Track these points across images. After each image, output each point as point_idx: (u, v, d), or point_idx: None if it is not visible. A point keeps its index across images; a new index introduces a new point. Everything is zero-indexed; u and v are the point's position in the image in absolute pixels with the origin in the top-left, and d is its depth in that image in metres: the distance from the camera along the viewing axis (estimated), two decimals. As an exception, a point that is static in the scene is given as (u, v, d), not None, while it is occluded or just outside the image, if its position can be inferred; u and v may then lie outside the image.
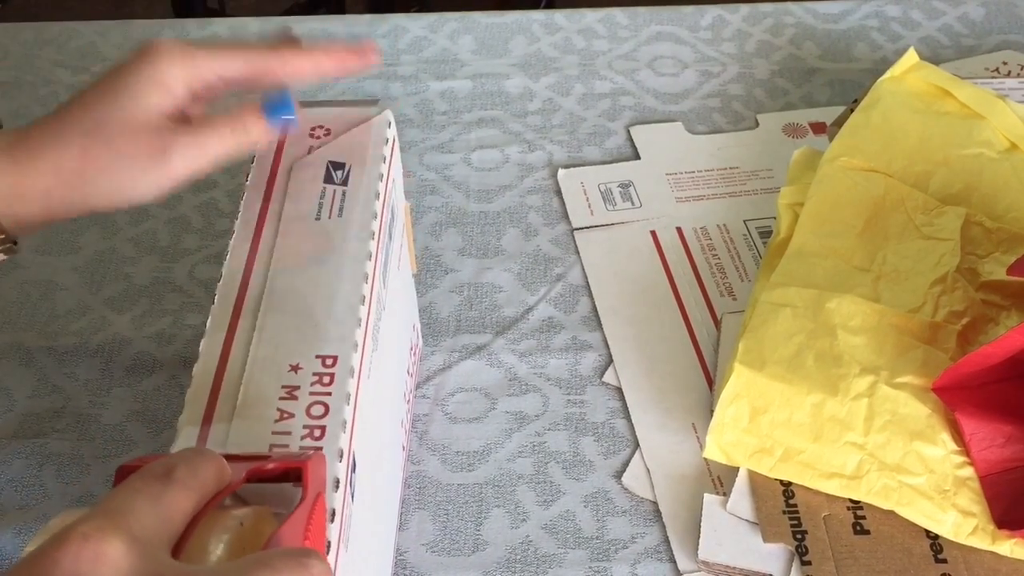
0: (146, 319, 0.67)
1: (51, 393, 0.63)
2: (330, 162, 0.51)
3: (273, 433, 0.41)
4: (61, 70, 0.84)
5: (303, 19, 0.90)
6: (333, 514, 0.39)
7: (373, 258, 0.48)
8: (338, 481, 0.40)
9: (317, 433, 0.41)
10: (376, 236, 0.49)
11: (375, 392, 0.48)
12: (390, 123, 0.54)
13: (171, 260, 0.70)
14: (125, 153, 0.46)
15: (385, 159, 0.52)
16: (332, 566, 0.39)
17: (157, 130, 0.47)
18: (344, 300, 0.46)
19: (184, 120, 0.48)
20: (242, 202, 0.50)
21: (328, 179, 0.51)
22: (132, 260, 0.70)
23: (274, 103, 0.49)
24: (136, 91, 0.47)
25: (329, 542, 0.39)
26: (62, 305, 0.67)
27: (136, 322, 0.67)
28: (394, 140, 0.54)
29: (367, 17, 0.90)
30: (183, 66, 0.47)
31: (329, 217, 0.49)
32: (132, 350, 0.65)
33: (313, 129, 0.53)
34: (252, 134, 0.48)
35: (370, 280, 0.47)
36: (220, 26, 0.88)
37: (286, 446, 0.41)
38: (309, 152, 0.52)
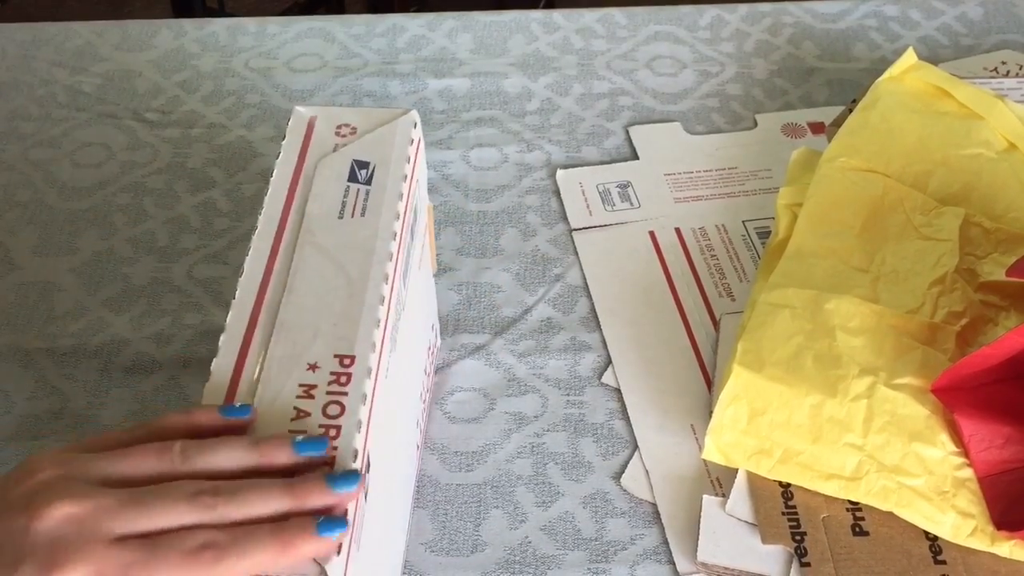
0: (145, 320, 0.67)
1: (50, 395, 0.63)
2: (355, 160, 0.52)
3: (289, 432, 0.42)
4: (58, 70, 0.84)
5: (302, 19, 0.90)
6: (345, 514, 0.39)
7: (394, 259, 0.48)
8: None
9: (333, 432, 0.42)
10: (397, 237, 0.49)
11: (392, 392, 0.48)
12: (416, 124, 0.54)
13: (169, 260, 0.70)
14: None
15: (409, 159, 0.52)
16: (343, 568, 0.39)
17: None
18: (364, 300, 0.46)
19: None
20: (266, 198, 0.50)
21: (352, 178, 0.51)
22: (130, 261, 0.70)
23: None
24: None
25: (341, 543, 0.39)
26: (60, 306, 0.67)
27: (135, 323, 0.66)
28: (419, 141, 0.54)
29: (365, 17, 0.90)
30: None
31: (352, 216, 0.49)
32: (131, 351, 0.65)
33: (339, 127, 0.53)
34: None
35: (390, 280, 0.47)
36: (218, 26, 0.88)
37: None
38: (335, 150, 0.52)
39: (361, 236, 0.48)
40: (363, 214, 0.49)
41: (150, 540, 0.38)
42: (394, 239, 0.48)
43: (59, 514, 0.38)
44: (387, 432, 0.47)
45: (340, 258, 0.47)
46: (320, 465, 0.41)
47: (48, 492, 0.38)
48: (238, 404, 0.43)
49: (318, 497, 0.40)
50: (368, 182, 0.51)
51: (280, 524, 0.39)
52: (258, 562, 0.38)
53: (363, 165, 0.51)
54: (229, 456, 0.41)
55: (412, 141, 0.53)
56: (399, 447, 0.52)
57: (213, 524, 0.39)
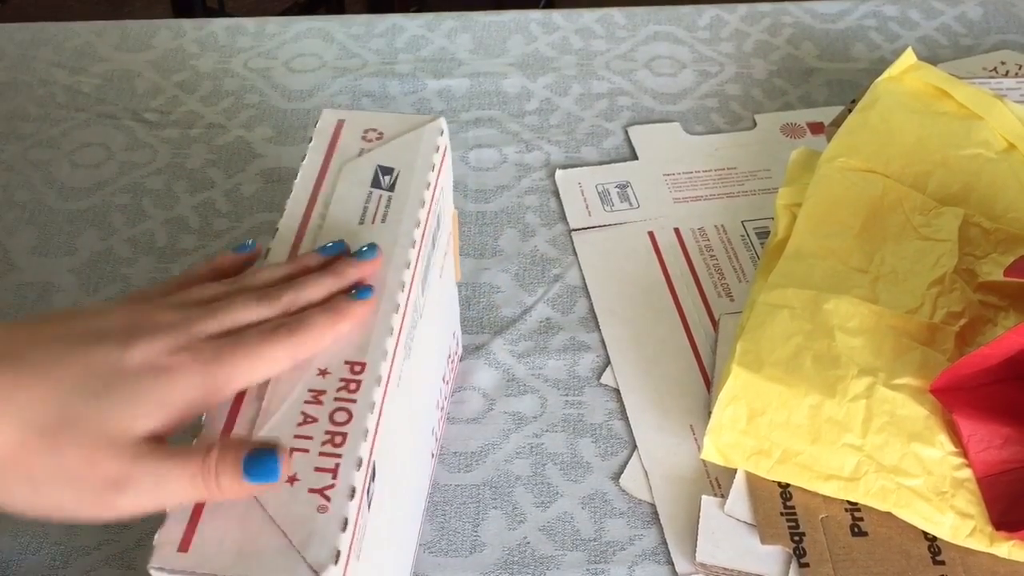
0: (143, 320, 0.67)
1: (48, 395, 0.63)
2: (379, 166, 0.51)
3: (295, 437, 0.41)
4: (58, 70, 0.84)
5: (301, 19, 0.90)
6: (345, 523, 0.39)
7: (412, 267, 0.48)
8: (353, 490, 0.40)
9: (338, 440, 0.41)
10: (417, 244, 0.49)
11: (404, 400, 0.47)
12: (442, 131, 0.54)
13: (168, 261, 0.70)
14: (75, 473, 0.38)
15: (434, 167, 0.52)
16: None
17: (123, 453, 0.38)
18: (379, 307, 0.46)
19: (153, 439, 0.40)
20: (288, 200, 0.50)
21: (376, 183, 0.51)
22: (129, 261, 0.70)
23: (261, 463, 0.39)
24: (135, 408, 0.39)
25: (339, 551, 0.38)
26: (59, 307, 0.67)
27: (133, 323, 0.66)
28: (445, 148, 0.54)
29: (365, 17, 0.90)
30: (204, 393, 0.41)
31: (373, 223, 0.49)
32: (129, 351, 0.65)
33: (366, 131, 0.53)
34: (221, 491, 0.39)
35: (406, 288, 0.47)
36: (217, 26, 0.88)
37: (306, 451, 0.41)
38: (360, 154, 0.52)
39: (380, 243, 0.48)
40: (384, 220, 0.49)
41: (231, 333, 0.43)
42: (413, 247, 0.48)
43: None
44: (397, 440, 0.47)
45: None
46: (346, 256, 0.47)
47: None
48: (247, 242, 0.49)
49: (352, 272, 0.46)
50: (391, 188, 0.51)
51: (328, 303, 0.45)
52: (320, 332, 0.44)
53: (387, 171, 0.51)
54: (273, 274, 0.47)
55: (437, 148, 0.53)
56: (411, 456, 0.51)
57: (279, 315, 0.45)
